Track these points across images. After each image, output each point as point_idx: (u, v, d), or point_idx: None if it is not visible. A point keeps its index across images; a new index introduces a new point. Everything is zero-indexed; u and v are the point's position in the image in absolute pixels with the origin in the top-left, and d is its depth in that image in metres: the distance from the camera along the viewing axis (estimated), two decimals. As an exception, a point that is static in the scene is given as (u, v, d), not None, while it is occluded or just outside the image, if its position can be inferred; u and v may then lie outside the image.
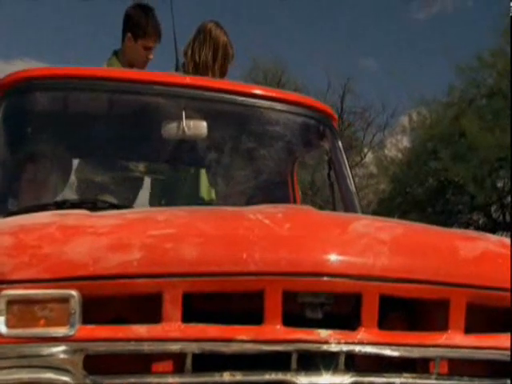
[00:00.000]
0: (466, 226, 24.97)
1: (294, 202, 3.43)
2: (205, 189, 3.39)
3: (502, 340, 1.82)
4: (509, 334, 1.83)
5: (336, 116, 3.24)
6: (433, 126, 24.39)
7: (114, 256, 1.62)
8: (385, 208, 25.75)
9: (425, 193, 24.44)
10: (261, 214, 1.80)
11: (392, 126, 29.16)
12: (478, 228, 24.81)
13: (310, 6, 43.78)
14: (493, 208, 24.23)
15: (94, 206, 2.44)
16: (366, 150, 29.63)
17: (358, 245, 1.76)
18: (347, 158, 3.13)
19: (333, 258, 1.71)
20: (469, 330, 1.82)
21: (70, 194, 3.03)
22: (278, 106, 3.11)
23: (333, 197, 3.09)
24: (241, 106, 3.10)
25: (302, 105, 3.15)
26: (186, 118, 2.88)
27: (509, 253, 1.95)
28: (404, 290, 1.77)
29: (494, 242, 2.03)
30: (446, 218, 24.56)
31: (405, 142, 27.74)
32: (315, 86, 37.93)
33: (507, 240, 2.10)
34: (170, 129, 2.91)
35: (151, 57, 4.06)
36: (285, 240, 1.72)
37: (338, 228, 1.80)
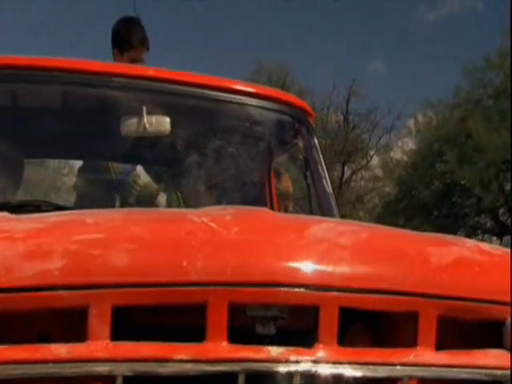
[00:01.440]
0: (474, 229, 24.86)
1: (271, 204, 3.21)
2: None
3: (476, 357, 1.63)
4: (485, 350, 1.65)
5: (312, 112, 3.02)
6: (439, 127, 24.26)
7: (31, 264, 1.42)
8: (390, 211, 25.65)
9: (431, 196, 24.28)
10: (206, 216, 1.62)
11: (398, 128, 28.93)
12: (485, 231, 24.67)
13: (317, 7, 43.64)
14: (500, 211, 24.03)
15: (38, 208, 2.25)
16: (371, 153, 29.42)
17: (316, 251, 1.57)
18: (323, 159, 2.89)
19: (286, 265, 1.52)
20: (441, 345, 1.63)
21: (21, 195, 2.85)
22: (250, 100, 2.89)
23: (309, 199, 2.87)
24: (208, 100, 2.87)
25: (276, 100, 2.93)
26: (148, 113, 2.66)
27: (486, 259, 1.77)
28: (367, 301, 1.58)
29: (469, 247, 1.83)
30: (452, 221, 24.43)
31: (410, 144, 27.60)
32: (320, 88, 37.66)
33: (485, 245, 1.91)
34: (130, 125, 2.67)
35: None
36: (232, 245, 1.53)
37: (294, 232, 1.62)
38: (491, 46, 25.93)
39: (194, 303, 1.47)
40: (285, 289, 1.50)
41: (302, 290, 1.52)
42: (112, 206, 3.16)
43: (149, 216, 1.74)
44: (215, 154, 2.83)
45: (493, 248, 1.88)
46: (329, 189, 2.87)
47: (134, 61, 3.84)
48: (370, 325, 1.74)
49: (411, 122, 27.06)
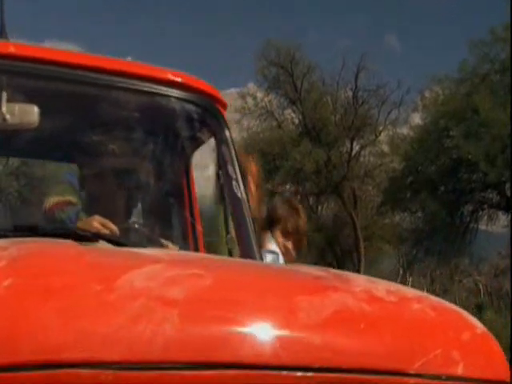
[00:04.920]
0: (480, 204, 24.43)
1: (191, 210, 2.71)
2: None
3: None
4: None
5: (224, 100, 2.48)
6: (445, 102, 23.82)
7: None
8: (396, 187, 25.34)
9: (437, 171, 23.86)
10: None
11: (408, 103, 28.33)
12: (491, 206, 24.24)
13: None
14: (507, 186, 23.56)
15: None
16: (380, 129, 28.97)
17: (128, 310, 1.13)
18: (236, 156, 2.34)
19: (76, 336, 1.08)
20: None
21: None
22: (146, 86, 2.34)
23: (224, 204, 2.37)
24: (91, 85, 2.32)
25: (180, 86, 2.37)
26: (8, 100, 2.14)
27: (377, 311, 1.31)
28: (200, 380, 1.14)
29: (356, 293, 1.36)
30: (457, 196, 24.03)
31: (417, 119, 27.15)
32: (330, 64, 36.90)
33: (382, 286, 1.43)
34: None
35: None
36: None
37: (100, 282, 1.17)
38: (498, 20, 25.27)
39: None
40: (72, 370, 1.07)
41: (99, 370, 1.08)
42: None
43: None
44: (103, 151, 2.32)
45: (390, 292, 1.40)
46: (240, 193, 2.32)
47: None
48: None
49: (418, 98, 26.54)
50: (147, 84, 2.31)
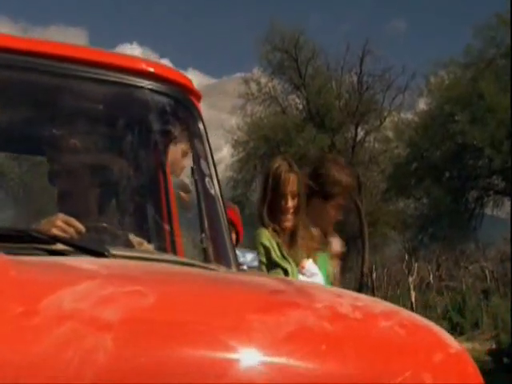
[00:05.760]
0: (485, 190, 24.29)
1: (168, 206, 2.55)
2: None
3: None
4: None
5: (198, 91, 2.30)
6: (450, 88, 23.63)
7: None
8: (401, 173, 25.20)
9: (442, 157, 23.69)
10: None
11: (413, 89, 28.11)
12: (497, 192, 24.09)
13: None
14: (512, 172, 23.38)
15: None
16: (385, 114, 28.80)
17: (53, 335, 1.01)
18: (211, 149, 2.18)
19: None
20: None
21: None
22: (115, 76, 2.14)
23: (198, 201, 2.22)
24: (58, 75, 2.11)
25: (149, 75, 2.18)
26: None
27: (339, 330, 1.17)
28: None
29: (318, 309, 1.21)
30: (462, 182, 23.89)
31: (422, 104, 26.97)
32: (335, 49, 36.67)
33: (348, 301, 1.29)
34: None
35: None
36: None
37: (23, 303, 1.04)
38: (504, 5, 24.96)
39: None
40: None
41: None
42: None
43: None
44: (73, 145, 2.16)
45: (355, 308, 1.25)
46: (213, 190, 2.13)
47: None
48: None
49: (423, 83, 26.32)
50: (117, 74, 2.14)
